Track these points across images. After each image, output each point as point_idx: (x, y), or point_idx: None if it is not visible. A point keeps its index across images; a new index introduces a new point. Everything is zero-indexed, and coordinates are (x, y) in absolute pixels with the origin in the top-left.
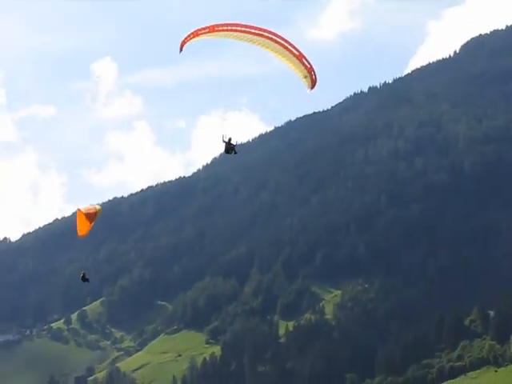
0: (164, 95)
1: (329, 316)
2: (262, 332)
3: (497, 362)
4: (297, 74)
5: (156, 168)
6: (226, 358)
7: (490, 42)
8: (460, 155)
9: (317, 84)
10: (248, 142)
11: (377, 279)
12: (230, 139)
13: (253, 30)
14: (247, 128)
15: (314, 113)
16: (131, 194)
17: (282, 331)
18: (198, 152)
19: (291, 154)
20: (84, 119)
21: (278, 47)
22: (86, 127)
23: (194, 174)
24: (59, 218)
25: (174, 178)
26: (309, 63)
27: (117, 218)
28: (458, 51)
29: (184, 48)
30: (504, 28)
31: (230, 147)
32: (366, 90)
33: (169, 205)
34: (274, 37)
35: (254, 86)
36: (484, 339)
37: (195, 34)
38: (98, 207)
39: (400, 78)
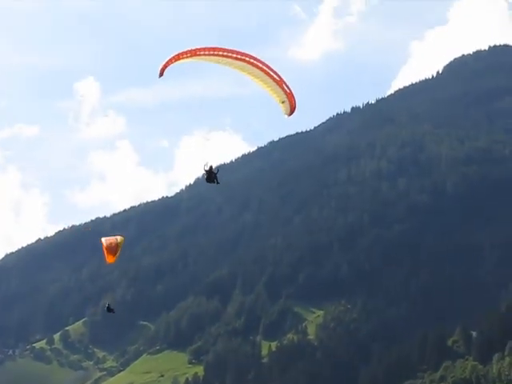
0: (147, 115)
1: (311, 336)
2: (245, 352)
3: (479, 382)
4: (274, 99)
5: (139, 188)
6: (209, 378)
7: (473, 63)
8: (442, 176)
9: (295, 110)
10: (231, 162)
11: (359, 299)
12: (211, 167)
13: (234, 55)
14: (230, 148)
15: (297, 133)
16: (114, 214)
17: (264, 351)
18: (180, 172)
19: (274, 174)
20: (67, 139)
21: (258, 72)
22: (69, 147)
23: (176, 194)
24: (42, 237)
25: (157, 198)
26: (288, 88)
27: (100, 237)
28: (440, 72)
29: (164, 73)
30: (487, 48)
31: (211, 176)
32: (348, 110)
33: (152, 225)
34: (254, 61)
35: (237, 106)
36: (467, 359)
37: (176, 58)
38: (119, 238)
39: (383, 99)
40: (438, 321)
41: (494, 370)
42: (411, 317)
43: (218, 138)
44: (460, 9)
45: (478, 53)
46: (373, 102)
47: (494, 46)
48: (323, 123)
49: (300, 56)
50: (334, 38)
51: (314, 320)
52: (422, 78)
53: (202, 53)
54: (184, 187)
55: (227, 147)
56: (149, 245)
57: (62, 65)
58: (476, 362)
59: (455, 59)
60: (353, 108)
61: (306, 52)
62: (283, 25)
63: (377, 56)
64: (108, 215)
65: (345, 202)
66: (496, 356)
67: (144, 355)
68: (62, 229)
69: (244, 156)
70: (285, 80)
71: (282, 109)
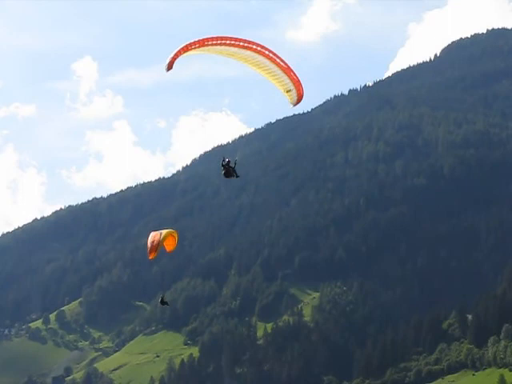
0: (145, 95)
1: (307, 318)
2: (241, 334)
3: (475, 365)
4: (279, 90)
5: (136, 168)
6: (204, 360)
7: (471, 46)
8: (439, 159)
9: (302, 99)
10: (228, 144)
11: (355, 282)
12: (228, 162)
13: (241, 43)
14: (228, 129)
15: (294, 115)
16: (111, 195)
17: (260, 333)
18: (178, 153)
19: (271, 156)
20: (64, 119)
21: (264, 60)
22: (67, 127)
23: (173, 175)
24: (38, 217)
25: (153, 179)
26: (296, 76)
27: (96, 218)
28: (438, 55)
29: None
30: (485, 32)
31: (229, 171)
32: (346, 92)
33: (148, 206)
34: (262, 50)
35: (235, 87)
36: (462, 343)
37: (184, 49)
38: (164, 232)
39: (380, 81)
40: (433, 304)
41: (490, 353)
42: (407, 299)
43: (215, 119)
44: None
45: (475, 36)
46: (370, 84)
47: (492, 30)
48: (320, 105)
49: (298, 38)
50: (332, 20)
51: (309, 302)
52: (420, 60)
53: (209, 43)
54: (181, 168)
55: (225, 128)
56: (145, 226)
57: (60, 45)
58: (471, 345)
59: (453, 42)
60: (350, 90)
61: (304, 34)
62: (281, 7)
63: (375, 38)
64: (105, 196)
65: (342, 184)
66: (491, 339)
67: (140, 336)
68: (58, 209)
69: (241, 137)
70: (292, 68)
71: (288, 98)
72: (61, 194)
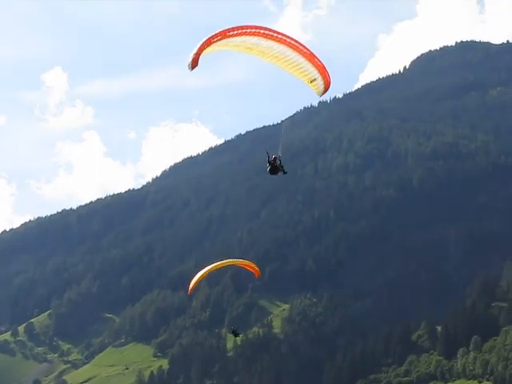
0: (115, 106)
1: (277, 330)
2: (210, 345)
3: (444, 377)
4: (302, 80)
5: (106, 179)
6: (174, 372)
7: (440, 58)
8: (409, 170)
9: (330, 86)
10: (198, 155)
11: (325, 293)
12: (275, 158)
13: (261, 31)
14: (198, 141)
15: (264, 126)
16: (80, 206)
17: (230, 345)
18: (148, 164)
19: (241, 168)
20: (34, 129)
21: (286, 49)
22: (36, 137)
23: (143, 186)
24: (7, 229)
25: (123, 191)
26: (321, 62)
27: (65, 230)
28: (407, 67)
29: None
30: (454, 44)
31: (275, 167)
32: (316, 104)
33: (118, 217)
34: (283, 37)
35: (205, 98)
36: (431, 354)
37: (208, 42)
38: (205, 272)
39: (350, 93)
40: (403, 315)
41: (459, 365)
42: (376, 311)
43: (185, 130)
44: (429, 2)
45: (444, 48)
46: (340, 96)
47: (461, 42)
48: (291, 117)
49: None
50: (302, 31)
51: (279, 313)
52: (389, 73)
53: (231, 33)
54: (151, 179)
55: (195, 140)
56: (115, 237)
57: (29, 56)
58: (441, 357)
59: (422, 54)
60: (320, 102)
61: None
62: (252, 17)
63: (345, 49)
64: (74, 207)
65: (311, 196)
66: (461, 351)
67: (109, 348)
68: (27, 220)
69: (211, 149)
70: (315, 54)
71: (313, 89)
72: (30, 205)
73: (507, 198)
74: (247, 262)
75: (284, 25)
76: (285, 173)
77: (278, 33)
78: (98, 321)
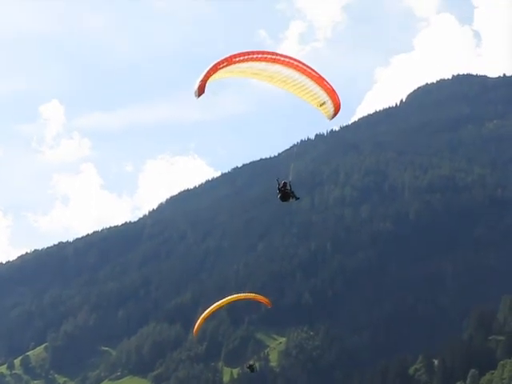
0: (111, 138)
1: (273, 363)
2: (207, 379)
3: None
4: (311, 104)
5: (102, 212)
6: None
7: (437, 92)
8: (405, 204)
9: (340, 109)
10: (195, 188)
11: (322, 327)
12: (285, 184)
13: (268, 56)
14: (194, 173)
15: (261, 159)
16: (77, 239)
17: (226, 378)
18: (144, 196)
19: (238, 201)
20: (31, 161)
21: (294, 73)
22: (33, 169)
23: (140, 219)
24: (3, 261)
25: (119, 223)
26: (330, 85)
27: (62, 262)
28: (404, 100)
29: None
30: (450, 77)
31: (286, 194)
32: (312, 137)
33: (114, 250)
34: (290, 61)
35: (201, 131)
36: None
37: (214, 69)
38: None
39: (347, 126)
40: (400, 349)
41: None
42: (374, 345)
43: (182, 162)
44: (426, 36)
45: (441, 81)
46: (337, 129)
47: (458, 75)
48: (287, 150)
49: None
50: None
51: (276, 347)
52: (386, 106)
53: (237, 59)
54: (147, 212)
55: (191, 172)
56: (111, 270)
57: (26, 88)
58: None
59: (419, 88)
60: (317, 135)
61: None
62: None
63: (342, 82)
64: (71, 240)
65: (308, 229)
66: None
67: (105, 381)
68: (24, 253)
69: (208, 182)
70: (324, 77)
71: (323, 112)
72: (26, 238)
73: (504, 231)
74: (253, 294)
75: None
76: (297, 198)
77: (285, 56)
78: (95, 354)
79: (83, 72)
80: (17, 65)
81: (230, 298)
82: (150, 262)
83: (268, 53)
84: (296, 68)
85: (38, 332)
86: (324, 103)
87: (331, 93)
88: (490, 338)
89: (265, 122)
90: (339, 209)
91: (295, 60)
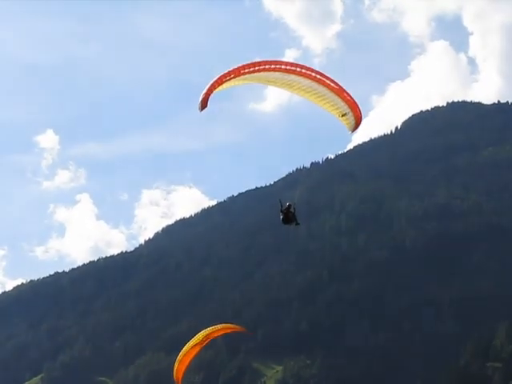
0: (107, 168)
1: None
2: None
3: None
4: (333, 114)
5: (98, 242)
6: None
7: (431, 119)
8: (401, 231)
9: (361, 122)
10: (191, 217)
11: (319, 355)
12: (289, 206)
13: (283, 66)
14: (190, 202)
15: (257, 188)
16: (73, 269)
17: None
18: (141, 226)
19: (234, 229)
20: (27, 191)
21: (311, 83)
22: (29, 199)
23: (136, 249)
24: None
25: (115, 253)
26: (350, 97)
27: (58, 292)
28: (399, 127)
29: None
30: (445, 105)
31: (288, 216)
32: (308, 165)
33: (110, 280)
34: (306, 71)
35: (197, 160)
36: None
37: (219, 81)
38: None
39: (342, 154)
40: (397, 377)
41: None
42: (370, 373)
43: (178, 192)
44: (421, 63)
45: (436, 109)
46: (332, 157)
47: (452, 103)
48: (283, 178)
49: (260, 110)
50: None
51: (273, 375)
52: (381, 133)
53: (246, 70)
54: (143, 242)
55: (187, 201)
56: (107, 300)
57: (22, 118)
58: None
59: (414, 115)
60: (312, 163)
61: (266, 106)
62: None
63: None
64: (67, 270)
65: (304, 257)
66: None
67: None
68: (20, 283)
69: (204, 210)
70: (344, 88)
71: (344, 123)
72: (22, 268)
73: (500, 258)
74: (221, 326)
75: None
76: (297, 224)
77: (302, 66)
78: None
79: (77, 102)
80: (11, 95)
81: (200, 336)
82: (147, 292)
83: (280, 63)
84: (314, 79)
85: (34, 363)
86: (346, 114)
87: (352, 105)
88: (488, 364)
89: (260, 150)
90: (335, 237)
91: (313, 70)
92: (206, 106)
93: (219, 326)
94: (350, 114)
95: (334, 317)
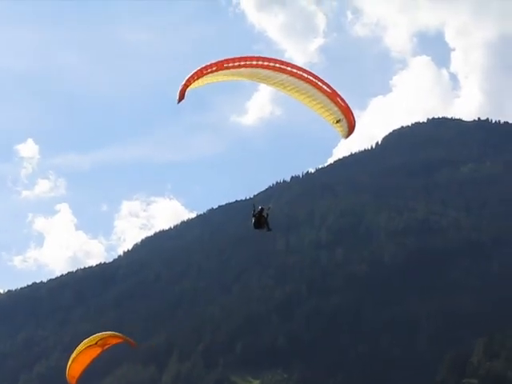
0: (87, 179)
1: None
2: None
3: None
4: (326, 120)
5: (76, 252)
6: None
7: (411, 135)
8: (380, 246)
9: (354, 129)
10: (170, 229)
11: (296, 369)
12: (262, 209)
13: (271, 64)
14: (170, 214)
15: (237, 201)
16: (51, 279)
17: None
18: (119, 237)
19: (213, 242)
20: (6, 200)
21: (304, 85)
22: (7, 208)
23: (114, 260)
24: None
25: (94, 264)
26: (344, 102)
27: (36, 303)
28: (380, 142)
29: (185, 95)
30: (425, 121)
31: (261, 220)
32: (288, 179)
33: (89, 291)
34: (298, 72)
35: (177, 172)
36: None
37: (199, 73)
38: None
39: (322, 168)
40: None
41: None
42: None
43: (157, 203)
44: (402, 78)
45: (416, 125)
46: (312, 171)
47: (433, 119)
48: (263, 192)
49: (241, 123)
50: (274, 105)
51: None
52: (362, 148)
53: (230, 65)
54: (122, 253)
55: (167, 213)
56: (86, 311)
57: (1, 127)
58: None
59: (394, 130)
60: (292, 177)
61: (248, 119)
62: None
63: (319, 123)
64: (45, 280)
65: (283, 271)
66: None
67: None
68: None
69: (183, 223)
70: (339, 93)
71: (338, 130)
72: (0, 277)
73: (479, 275)
74: (114, 334)
75: (256, 99)
76: (269, 229)
77: (293, 66)
78: None
79: (58, 111)
80: None
81: (94, 339)
82: (125, 303)
83: (268, 59)
84: (305, 80)
85: (11, 373)
86: (340, 120)
87: (346, 110)
88: (464, 381)
89: (240, 163)
90: (315, 251)
91: (304, 71)
92: (183, 98)
93: (112, 333)
94: (344, 120)
95: (313, 331)
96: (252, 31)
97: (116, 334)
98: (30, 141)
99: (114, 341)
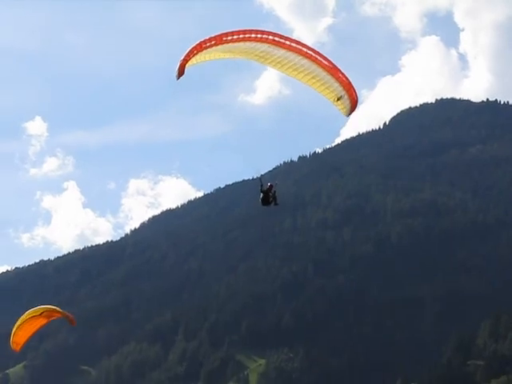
0: (95, 157)
1: None
2: None
3: None
4: (327, 98)
5: (84, 230)
6: None
7: (420, 115)
8: (387, 227)
9: (356, 106)
10: (177, 208)
11: (302, 349)
12: (271, 186)
13: (270, 37)
14: (177, 193)
15: (244, 180)
16: (58, 257)
17: None
18: (126, 215)
19: (220, 221)
20: (14, 178)
21: (304, 61)
22: (16, 186)
23: (121, 238)
24: None
25: (101, 242)
26: (345, 77)
27: (42, 280)
28: (387, 123)
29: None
30: (433, 101)
31: (268, 197)
32: (295, 159)
33: (95, 269)
34: (298, 46)
35: (185, 150)
36: None
37: (198, 48)
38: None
39: (329, 149)
40: (379, 372)
41: None
42: (353, 367)
43: (165, 182)
44: (411, 58)
45: (424, 105)
46: (320, 151)
47: (441, 99)
48: (270, 171)
49: (249, 102)
50: (283, 84)
51: (255, 368)
52: (369, 128)
53: (229, 38)
54: (129, 231)
55: (174, 192)
56: (92, 289)
57: (9, 104)
58: None
59: (402, 111)
60: (300, 157)
61: (256, 98)
62: (233, 71)
63: (327, 103)
64: (52, 258)
65: (290, 251)
66: None
67: None
68: (5, 270)
69: (190, 202)
70: (340, 68)
71: (339, 108)
72: (8, 255)
73: (485, 256)
74: (56, 309)
75: (264, 78)
76: (276, 204)
77: (292, 40)
78: (74, 373)
79: (66, 89)
80: (0, 82)
81: (39, 310)
82: (131, 282)
83: (268, 33)
84: (305, 55)
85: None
86: (341, 97)
87: (347, 86)
88: (469, 362)
89: (248, 143)
90: (321, 231)
91: (304, 45)
92: (182, 74)
93: (54, 308)
94: (346, 96)
95: (318, 310)
96: (260, 10)
97: (58, 309)
98: (38, 118)
99: (58, 314)
